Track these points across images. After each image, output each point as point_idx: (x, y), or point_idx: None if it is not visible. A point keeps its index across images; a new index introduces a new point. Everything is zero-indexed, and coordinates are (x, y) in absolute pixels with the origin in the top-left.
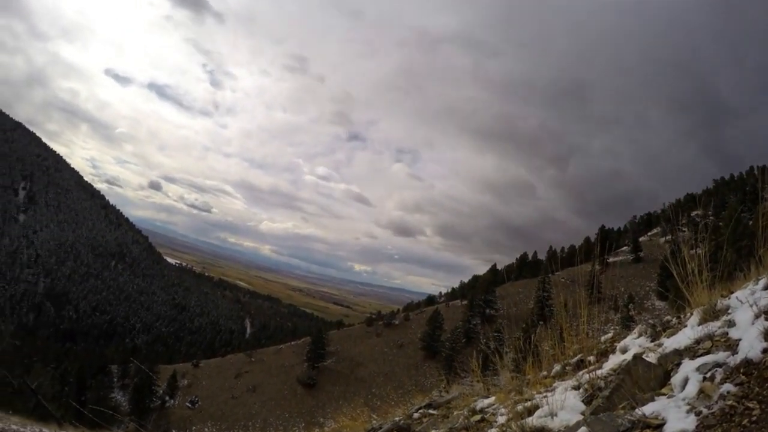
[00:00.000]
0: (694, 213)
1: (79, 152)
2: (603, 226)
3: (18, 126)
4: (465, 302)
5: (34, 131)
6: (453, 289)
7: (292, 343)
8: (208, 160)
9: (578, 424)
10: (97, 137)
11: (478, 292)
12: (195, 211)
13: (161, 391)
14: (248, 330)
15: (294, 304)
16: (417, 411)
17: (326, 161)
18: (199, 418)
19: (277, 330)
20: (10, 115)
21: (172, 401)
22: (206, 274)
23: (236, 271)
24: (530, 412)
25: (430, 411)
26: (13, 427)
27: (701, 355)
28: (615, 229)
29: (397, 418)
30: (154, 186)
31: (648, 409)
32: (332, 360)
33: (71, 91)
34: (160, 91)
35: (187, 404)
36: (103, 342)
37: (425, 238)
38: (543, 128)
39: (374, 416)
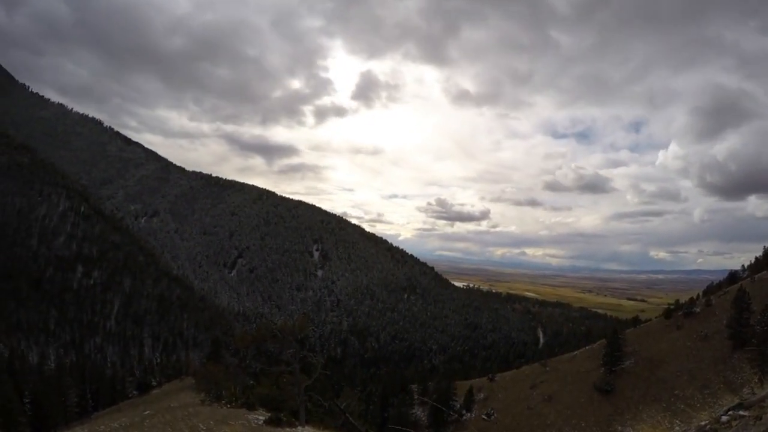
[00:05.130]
0: None
1: (346, 200)
2: None
3: (300, 203)
4: None
5: (312, 202)
6: (756, 258)
7: (587, 347)
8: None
9: None
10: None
11: None
12: (472, 226)
13: (458, 406)
14: (541, 339)
15: (585, 306)
16: (725, 413)
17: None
18: (495, 430)
19: (570, 336)
20: (290, 197)
21: (468, 414)
22: (493, 290)
23: (522, 283)
24: None
25: (741, 412)
26: None
27: None
28: None
29: (702, 423)
30: (427, 219)
31: None
32: (630, 362)
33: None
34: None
35: (483, 417)
36: (403, 365)
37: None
38: None
39: (677, 421)
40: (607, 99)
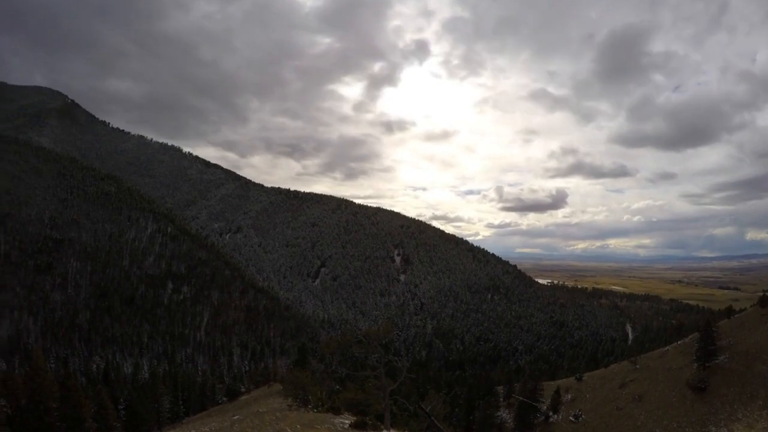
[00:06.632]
0: None
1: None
2: None
3: (378, 210)
4: None
5: (391, 209)
6: None
7: (678, 342)
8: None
9: None
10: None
11: None
12: (548, 217)
13: (545, 407)
14: (630, 335)
15: (675, 298)
16: None
17: None
18: None
19: (661, 330)
20: (367, 204)
21: (555, 416)
22: (579, 286)
23: (608, 277)
24: None
25: None
26: None
27: None
28: None
29: None
30: (498, 212)
31: None
32: (724, 356)
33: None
34: None
35: (571, 418)
36: (488, 367)
37: None
38: None
39: None
40: None
